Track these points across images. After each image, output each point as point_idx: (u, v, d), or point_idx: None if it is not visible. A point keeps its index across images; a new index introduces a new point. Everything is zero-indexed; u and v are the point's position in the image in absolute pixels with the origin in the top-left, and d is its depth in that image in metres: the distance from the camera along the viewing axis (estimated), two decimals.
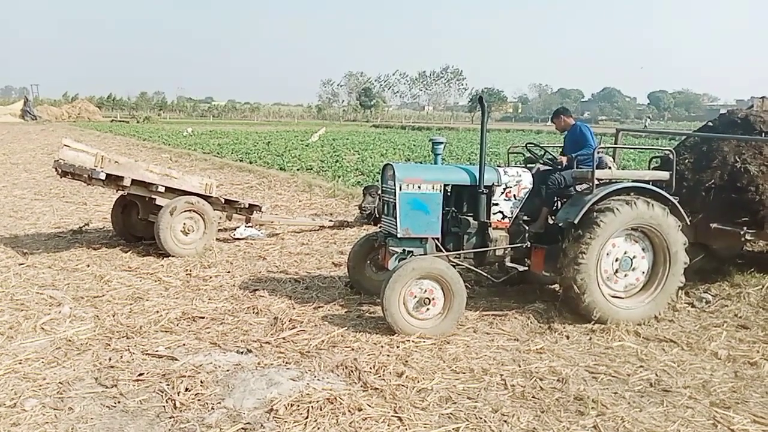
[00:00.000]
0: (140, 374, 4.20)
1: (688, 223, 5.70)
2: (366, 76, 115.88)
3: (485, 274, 5.86)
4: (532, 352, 4.84)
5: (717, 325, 5.54)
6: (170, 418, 3.67)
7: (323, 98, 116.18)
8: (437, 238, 5.56)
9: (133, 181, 7.45)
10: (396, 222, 5.43)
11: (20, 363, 4.34)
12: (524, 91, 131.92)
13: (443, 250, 5.54)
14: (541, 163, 6.15)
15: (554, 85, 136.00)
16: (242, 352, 4.63)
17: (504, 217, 5.72)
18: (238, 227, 8.94)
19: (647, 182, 5.66)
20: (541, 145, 6.31)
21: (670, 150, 6.26)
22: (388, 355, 4.60)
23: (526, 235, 5.70)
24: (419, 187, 5.47)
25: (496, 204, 5.69)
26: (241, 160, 19.44)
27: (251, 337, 4.95)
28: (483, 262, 5.75)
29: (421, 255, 5.39)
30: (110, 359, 4.45)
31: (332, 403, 3.80)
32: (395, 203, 5.43)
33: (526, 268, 5.71)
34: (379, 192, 6.38)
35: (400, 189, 5.41)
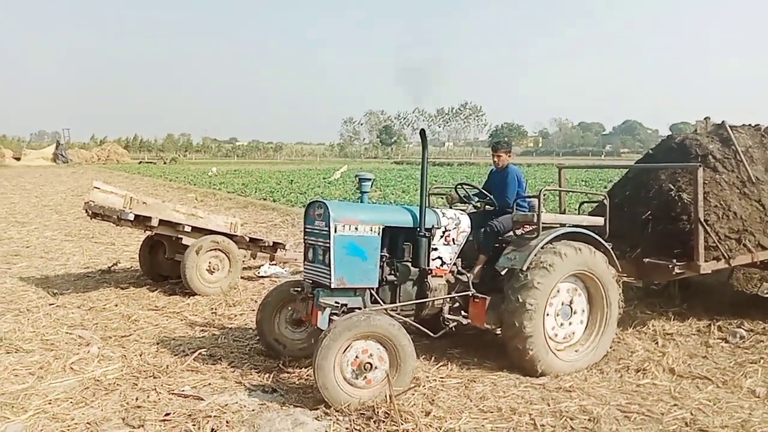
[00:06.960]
0: (167, 414, 4.20)
1: (620, 270, 5.45)
2: (386, 114, 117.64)
3: (423, 329, 5.06)
4: (562, 390, 4.74)
5: (753, 362, 5.38)
6: None
7: (345, 136, 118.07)
8: (374, 288, 4.93)
9: (161, 221, 7.59)
10: (329, 270, 4.71)
11: (50, 403, 4.39)
12: (545, 126, 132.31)
13: (380, 302, 4.90)
14: (472, 205, 5.77)
15: (575, 118, 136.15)
16: (267, 391, 4.62)
17: (443, 263, 5.19)
18: (263, 265, 9.02)
19: (585, 227, 5.39)
20: (474, 185, 5.83)
21: (603, 195, 6.06)
22: (414, 394, 4.55)
23: (467, 283, 5.24)
24: (356, 229, 4.78)
25: (435, 249, 5.15)
26: (265, 199, 19.69)
27: (276, 376, 4.94)
28: (421, 314, 5.17)
29: (357, 309, 4.72)
30: (137, 399, 4.47)
31: None
32: (328, 248, 4.73)
33: (469, 321, 5.20)
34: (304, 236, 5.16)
35: (335, 231, 4.70)
